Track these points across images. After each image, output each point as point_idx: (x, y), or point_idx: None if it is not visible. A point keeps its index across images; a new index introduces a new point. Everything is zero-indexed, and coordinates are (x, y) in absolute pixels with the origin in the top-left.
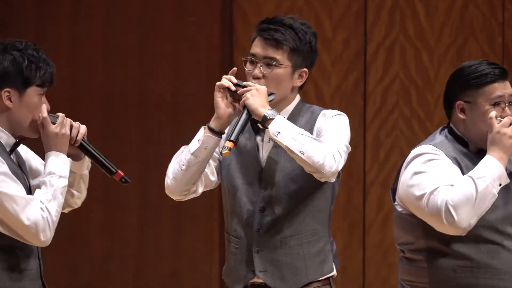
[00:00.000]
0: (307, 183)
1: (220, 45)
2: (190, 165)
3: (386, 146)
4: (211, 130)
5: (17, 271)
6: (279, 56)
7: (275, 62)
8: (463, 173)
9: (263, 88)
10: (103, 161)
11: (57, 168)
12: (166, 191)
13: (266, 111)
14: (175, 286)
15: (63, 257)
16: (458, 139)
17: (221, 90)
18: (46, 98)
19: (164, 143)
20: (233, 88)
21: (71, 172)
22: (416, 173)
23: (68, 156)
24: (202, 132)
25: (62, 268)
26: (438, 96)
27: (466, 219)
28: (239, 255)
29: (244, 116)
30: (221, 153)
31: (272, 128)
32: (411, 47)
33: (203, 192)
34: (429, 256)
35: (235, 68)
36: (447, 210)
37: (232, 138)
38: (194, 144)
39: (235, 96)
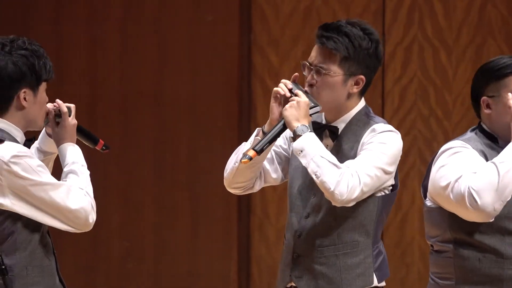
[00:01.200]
0: None
1: (237, 44)
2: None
3: (404, 145)
4: (264, 133)
5: (42, 267)
6: (330, 64)
7: (324, 71)
8: None
9: (303, 101)
10: (89, 132)
11: (78, 158)
12: (224, 183)
13: (298, 126)
14: (193, 285)
15: (81, 257)
16: (487, 135)
17: (277, 96)
18: (65, 97)
19: (181, 142)
20: (288, 95)
21: (49, 153)
22: (442, 166)
23: (49, 136)
24: (255, 134)
25: (80, 268)
26: (456, 95)
27: (490, 203)
28: (284, 258)
29: (278, 126)
30: (240, 160)
31: (296, 145)
32: (430, 46)
33: (220, 191)
34: (455, 247)
35: (296, 74)
36: (470, 194)
37: (256, 148)
38: (248, 144)
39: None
